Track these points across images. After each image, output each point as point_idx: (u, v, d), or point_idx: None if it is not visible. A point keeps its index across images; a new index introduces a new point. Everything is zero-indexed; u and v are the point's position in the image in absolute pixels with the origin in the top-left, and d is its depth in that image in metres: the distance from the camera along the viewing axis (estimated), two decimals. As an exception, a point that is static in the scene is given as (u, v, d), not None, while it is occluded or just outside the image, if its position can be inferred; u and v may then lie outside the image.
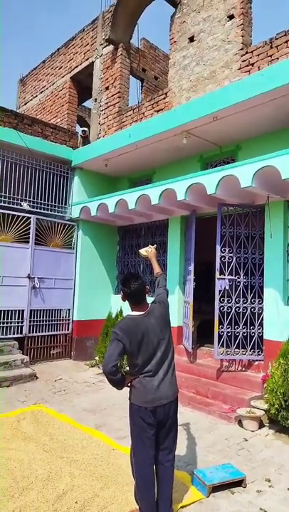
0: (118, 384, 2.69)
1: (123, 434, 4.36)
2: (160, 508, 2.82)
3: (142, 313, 2.86)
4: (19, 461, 3.71)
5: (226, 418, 5.01)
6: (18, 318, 7.36)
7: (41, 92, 11.40)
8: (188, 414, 5.19)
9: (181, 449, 4.10)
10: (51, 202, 8.03)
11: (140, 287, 2.86)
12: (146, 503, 2.77)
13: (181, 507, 3.08)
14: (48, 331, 7.80)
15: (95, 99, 9.00)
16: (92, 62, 9.24)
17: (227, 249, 5.95)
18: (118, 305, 7.58)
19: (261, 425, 4.83)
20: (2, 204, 7.25)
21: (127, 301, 2.93)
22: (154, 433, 2.78)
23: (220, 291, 5.92)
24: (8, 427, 4.56)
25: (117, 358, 2.64)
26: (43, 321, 7.71)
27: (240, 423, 4.88)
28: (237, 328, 5.92)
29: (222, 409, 5.16)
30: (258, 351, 5.85)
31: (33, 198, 7.74)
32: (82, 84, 10.21)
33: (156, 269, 3.46)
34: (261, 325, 5.83)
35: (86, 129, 9.01)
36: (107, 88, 8.69)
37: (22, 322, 7.38)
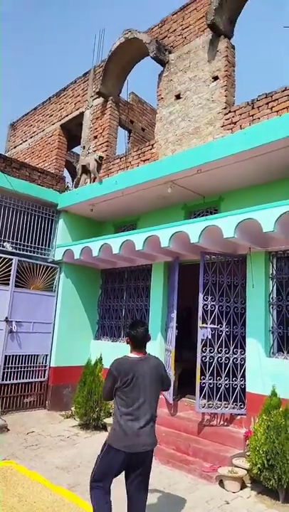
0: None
1: (97, 496, 4.05)
2: None
3: (139, 356, 3.17)
4: (-18, 528, 3.38)
5: (206, 478, 4.75)
6: (-8, 364, 7.02)
7: (31, 137, 11.68)
8: (167, 473, 4.89)
9: (159, 513, 3.83)
10: (34, 244, 7.98)
11: (144, 333, 3.23)
12: None
13: None
14: (23, 379, 7.42)
15: (84, 147, 9.25)
16: (82, 112, 9.60)
17: (209, 298, 5.94)
18: (98, 351, 7.37)
19: (243, 485, 4.59)
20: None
21: (128, 345, 3.25)
22: (119, 473, 3.00)
23: (202, 340, 5.83)
24: (-28, 487, 4.20)
25: (111, 393, 3.09)
26: (18, 367, 7.36)
27: (221, 483, 4.63)
28: (219, 380, 5.77)
29: (203, 468, 4.90)
30: (241, 404, 5.68)
31: (16, 239, 7.68)
32: (71, 132, 10.52)
33: None
34: (244, 376, 5.72)
35: (102, 154, 8.46)
36: (95, 137, 8.98)
37: (-4, 368, 7.04)
